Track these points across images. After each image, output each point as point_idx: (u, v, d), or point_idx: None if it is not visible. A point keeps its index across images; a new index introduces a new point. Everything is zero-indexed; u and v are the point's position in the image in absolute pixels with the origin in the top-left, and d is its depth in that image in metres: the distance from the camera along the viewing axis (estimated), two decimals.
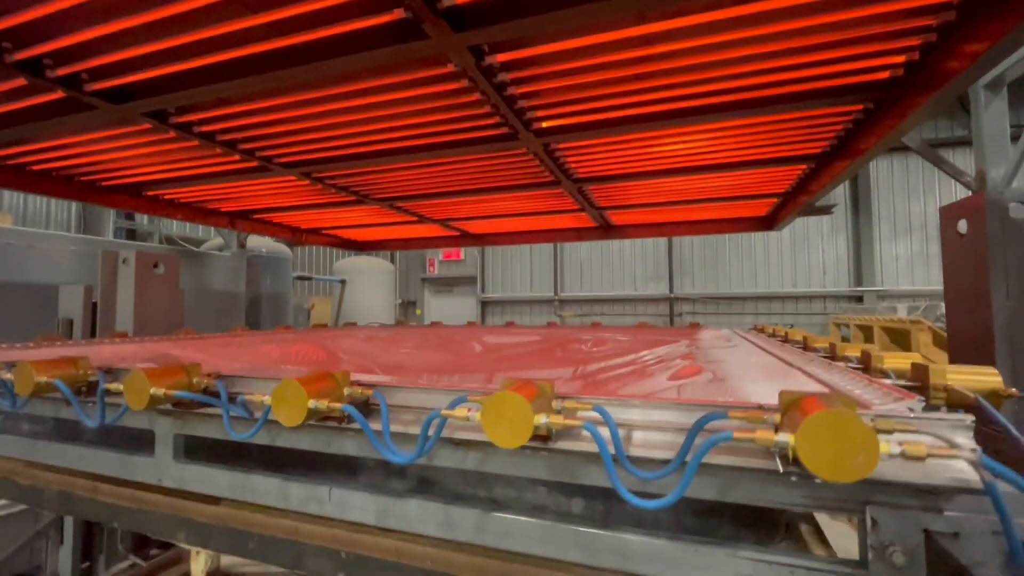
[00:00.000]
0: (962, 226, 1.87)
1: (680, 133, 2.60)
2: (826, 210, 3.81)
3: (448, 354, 2.64)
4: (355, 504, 1.11)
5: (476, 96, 2.11)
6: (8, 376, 1.30)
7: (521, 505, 1.12)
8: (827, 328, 10.38)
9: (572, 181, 3.48)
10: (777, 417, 0.88)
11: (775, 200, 4.14)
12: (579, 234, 5.71)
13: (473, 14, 1.60)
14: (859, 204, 10.96)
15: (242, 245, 7.22)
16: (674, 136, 2.66)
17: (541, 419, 0.87)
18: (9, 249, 4.49)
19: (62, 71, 1.94)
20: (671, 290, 12.10)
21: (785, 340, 2.70)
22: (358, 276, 10.60)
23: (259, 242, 7.14)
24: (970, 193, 2.14)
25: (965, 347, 1.91)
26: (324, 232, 5.93)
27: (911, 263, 10.59)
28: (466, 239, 6.24)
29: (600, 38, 1.72)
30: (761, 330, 3.63)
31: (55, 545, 2.66)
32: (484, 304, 14.23)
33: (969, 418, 0.82)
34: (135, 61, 1.90)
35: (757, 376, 1.56)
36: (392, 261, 13.94)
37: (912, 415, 0.88)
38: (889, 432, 0.82)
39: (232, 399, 1.15)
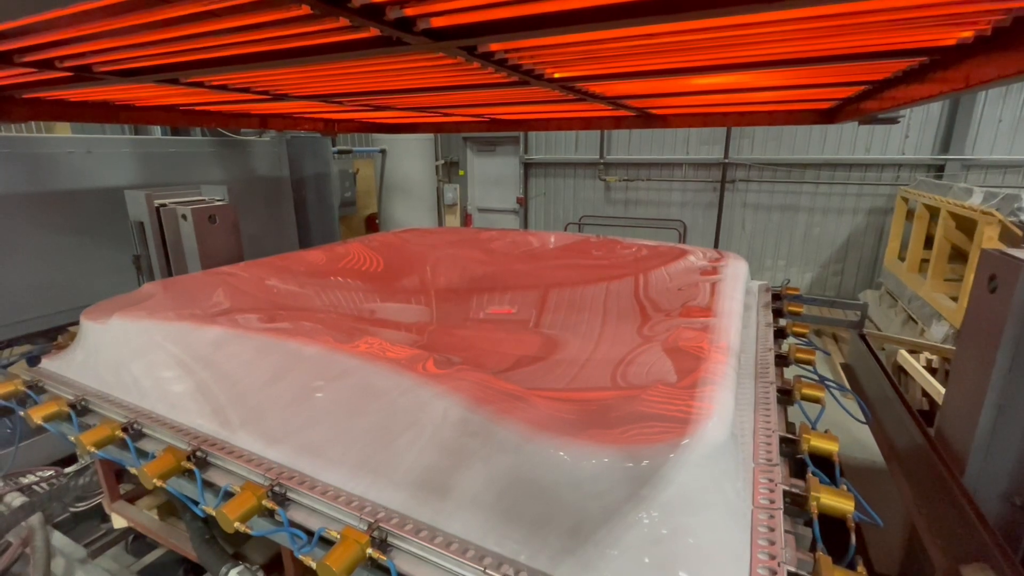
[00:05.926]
0: (995, 280, 1.69)
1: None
2: (893, 120, 3.35)
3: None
4: None
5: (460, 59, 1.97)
6: (133, 471, 1.57)
7: None
8: (894, 200, 9.62)
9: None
10: None
11: (834, 103, 3.66)
12: (617, 122, 5.33)
13: None
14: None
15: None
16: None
17: None
18: (71, 157, 4.81)
19: None
20: (726, 155, 11.25)
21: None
22: (397, 144, 10.47)
23: None
24: None
25: (962, 389, 1.89)
26: (356, 122, 5.84)
27: (1015, 126, 9.09)
28: (497, 124, 5.98)
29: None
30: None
31: None
32: (527, 166, 13.86)
33: None
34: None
35: None
36: None
37: None
38: None
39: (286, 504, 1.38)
